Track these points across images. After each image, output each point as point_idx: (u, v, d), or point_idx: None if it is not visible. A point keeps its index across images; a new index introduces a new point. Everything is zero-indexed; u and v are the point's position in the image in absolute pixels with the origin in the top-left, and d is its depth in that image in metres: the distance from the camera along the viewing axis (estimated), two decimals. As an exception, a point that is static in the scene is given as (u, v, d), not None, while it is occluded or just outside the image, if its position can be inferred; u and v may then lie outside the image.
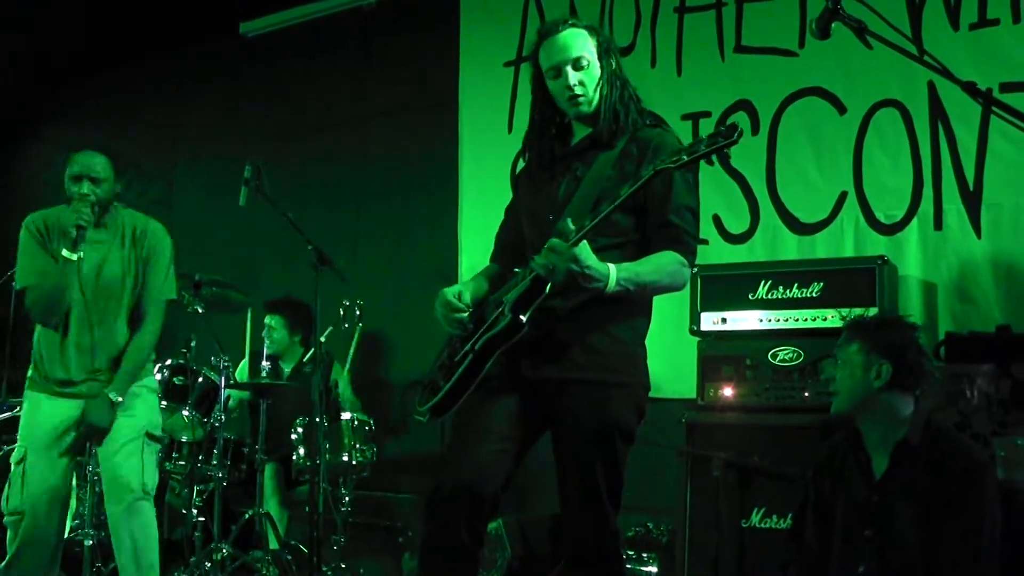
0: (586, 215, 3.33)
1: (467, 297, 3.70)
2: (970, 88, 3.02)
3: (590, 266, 3.28)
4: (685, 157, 3.19)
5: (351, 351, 6.42)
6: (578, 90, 3.60)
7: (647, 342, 3.72)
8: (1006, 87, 5.23)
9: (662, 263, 3.49)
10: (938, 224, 5.45)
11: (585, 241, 3.28)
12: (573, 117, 3.70)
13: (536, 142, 3.82)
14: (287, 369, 6.97)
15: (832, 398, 3.80)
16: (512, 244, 3.89)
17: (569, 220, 3.29)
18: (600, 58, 3.63)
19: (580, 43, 3.60)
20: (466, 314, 3.64)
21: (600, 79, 3.62)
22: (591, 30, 3.66)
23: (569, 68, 3.60)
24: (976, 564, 3.41)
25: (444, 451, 3.65)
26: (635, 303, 3.61)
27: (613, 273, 3.33)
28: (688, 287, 5.06)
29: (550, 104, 3.73)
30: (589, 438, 3.52)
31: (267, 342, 6.87)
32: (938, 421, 3.81)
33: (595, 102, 3.62)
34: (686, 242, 3.55)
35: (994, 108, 3.23)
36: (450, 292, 3.70)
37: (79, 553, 5.60)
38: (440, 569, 3.58)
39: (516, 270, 3.62)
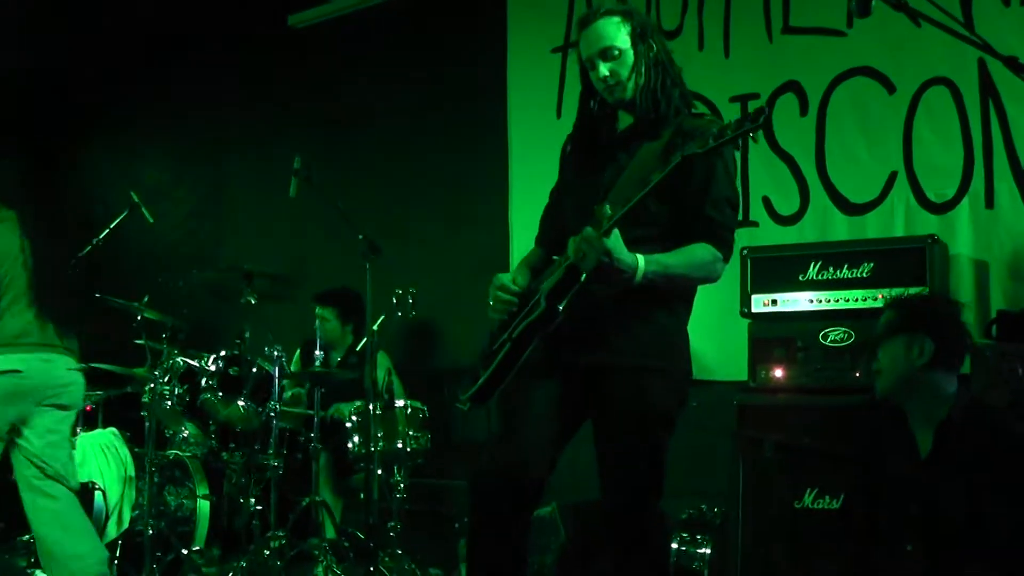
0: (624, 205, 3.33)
1: (522, 281, 3.73)
2: (1013, 64, 3.00)
3: (620, 258, 3.28)
4: (712, 142, 3.19)
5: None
6: (610, 81, 3.60)
7: (698, 325, 3.74)
8: (1054, 62, 5.17)
9: (694, 257, 3.49)
10: (989, 202, 5.40)
11: (616, 231, 3.28)
12: (613, 105, 3.71)
13: (583, 129, 3.83)
14: (337, 358, 7.02)
15: (876, 379, 3.78)
16: (556, 228, 3.90)
17: (606, 206, 3.30)
18: (635, 44, 3.60)
19: (611, 32, 3.59)
20: (515, 299, 3.67)
21: (636, 65, 3.61)
22: (625, 15, 3.63)
23: (599, 60, 3.60)
24: (1025, 543, 3.39)
25: (488, 437, 3.68)
26: (676, 290, 3.62)
27: (641, 266, 3.34)
28: (739, 268, 5.10)
29: (596, 92, 3.74)
30: (628, 425, 3.54)
31: (319, 332, 6.92)
32: (982, 399, 3.79)
33: (630, 89, 3.62)
34: (723, 236, 3.55)
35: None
36: (507, 276, 3.74)
37: (139, 543, 5.68)
38: (488, 557, 3.62)
39: (555, 258, 3.64)
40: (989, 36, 3.21)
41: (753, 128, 3.13)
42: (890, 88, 5.73)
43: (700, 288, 3.75)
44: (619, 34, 3.60)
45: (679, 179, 3.31)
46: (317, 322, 6.99)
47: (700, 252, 3.49)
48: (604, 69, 3.59)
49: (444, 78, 7.70)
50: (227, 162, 9.08)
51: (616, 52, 3.59)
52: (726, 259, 3.57)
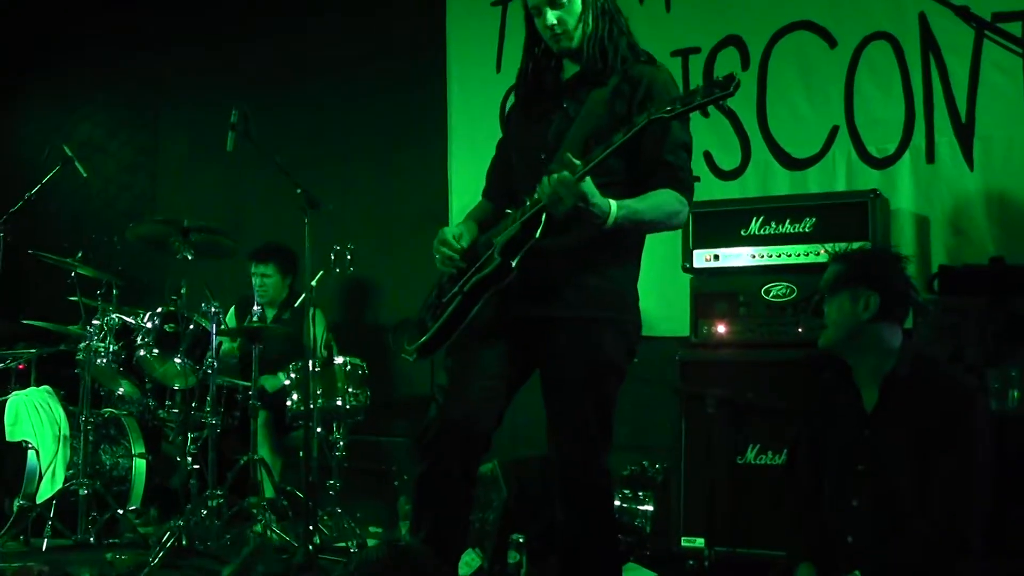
0: (577, 156, 3.29)
1: (466, 240, 3.69)
2: (964, 12, 2.98)
3: (595, 203, 3.26)
4: (680, 107, 3.18)
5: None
6: (557, 29, 3.56)
7: (640, 280, 3.71)
8: (998, 16, 5.16)
9: (660, 201, 3.47)
10: (930, 157, 5.44)
11: (589, 176, 3.25)
12: (559, 53, 3.66)
13: (528, 77, 3.78)
14: (270, 315, 6.93)
15: (820, 332, 3.78)
16: (504, 180, 3.87)
17: (569, 156, 3.25)
18: None
19: None
20: (458, 255, 3.63)
21: (583, 13, 3.56)
22: None
23: (547, 7, 3.55)
24: (968, 495, 3.40)
25: (435, 391, 3.66)
26: (625, 243, 3.60)
27: (613, 210, 3.31)
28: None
29: (541, 40, 3.69)
30: (578, 375, 3.53)
31: (259, 290, 6.83)
32: (927, 352, 3.80)
33: (577, 38, 3.57)
34: (683, 179, 3.54)
35: (987, 32, 3.21)
36: (449, 231, 3.70)
37: (74, 503, 5.61)
38: (433, 508, 3.60)
39: (508, 211, 3.60)
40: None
41: (723, 96, 3.11)
42: (831, 42, 5.73)
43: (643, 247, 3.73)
44: None
45: (637, 133, 3.27)
46: (255, 280, 6.88)
47: (666, 197, 3.47)
48: (551, 17, 3.54)
49: (383, 30, 7.60)
50: (162, 115, 8.92)
51: (564, 0, 3.53)
52: (689, 203, 3.56)
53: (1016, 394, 4.25)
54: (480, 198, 4.02)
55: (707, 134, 5.93)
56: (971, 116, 5.33)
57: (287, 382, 6.07)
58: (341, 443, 6.04)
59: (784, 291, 4.91)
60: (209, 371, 5.76)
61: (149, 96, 8.94)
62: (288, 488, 6.06)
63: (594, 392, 3.54)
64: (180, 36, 8.65)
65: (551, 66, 3.73)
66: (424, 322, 3.71)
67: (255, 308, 6.06)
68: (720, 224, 5.18)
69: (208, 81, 8.41)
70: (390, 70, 7.52)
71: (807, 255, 4.91)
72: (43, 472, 5.92)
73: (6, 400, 6.08)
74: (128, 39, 8.92)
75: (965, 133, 5.34)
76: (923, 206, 5.41)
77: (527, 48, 3.77)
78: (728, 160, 6.00)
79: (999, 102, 5.25)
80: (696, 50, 6.13)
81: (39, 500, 5.77)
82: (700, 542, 4.84)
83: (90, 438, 5.80)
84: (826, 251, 4.43)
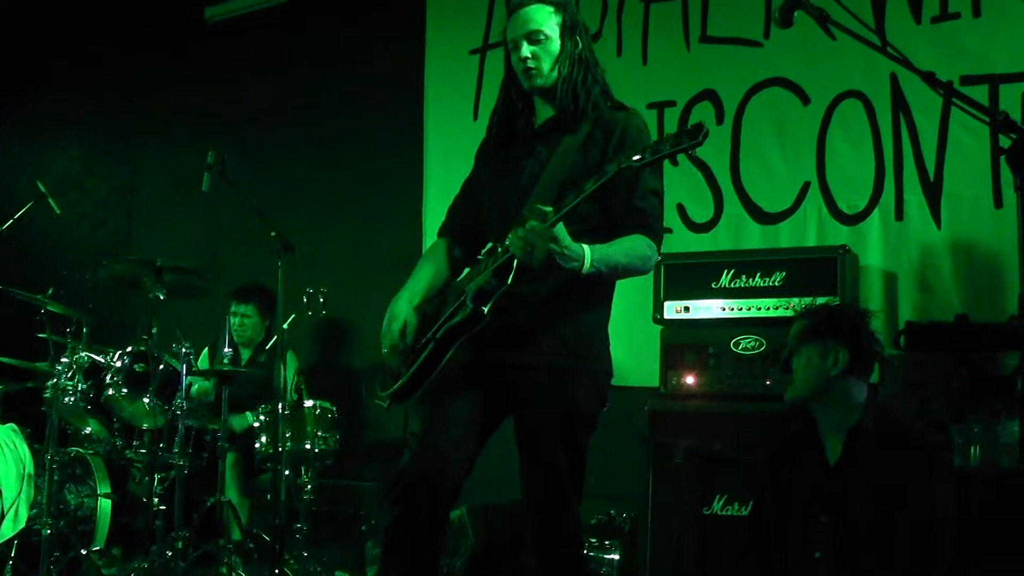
0: (550, 202, 3.32)
1: (413, 322, 3.68)
2: (930, 79, 3.04)
3: (568, 247, 3.27)
4: (649, 156, 3.18)
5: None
6: (530, 63, 3.59)
7: (611, 329, 3.73)
8: (966, 80, 5.28)
9: (632, 246, 3.49)
10: (899, 215, 5.49)
11: (561, 223, 3.27)
12: (530, 91, 3.69)
13: (500, 119, 3.82)
14: (245, 356, 6.93)
15: (787, 386, 3.81)
16: (466, 222, 3.90)
17: (538, 206, 3.27)
18: (563, 36, 3.60)
19: (541, 18, 3.59)
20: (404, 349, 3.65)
21: (560, 56, 3.60)
22: (559, 6, 3.62)
23: (524, 41, 3.59)
24: (930, 549, 3.43)
25: (407, 437, 3.67)
26: (597, 290, 3.62)
27: (587, 254, 3.33)
28: (652, 274, 5.11)
29: (516, 80, 3.72)
30: (551, 424, 3.54)
31: (237, 330, 6.81)
32: (891, 407, 3.84)
33: (551, 79, 3.61)
34: (653, 226, 3.56)
35: (954, 99, 3.26)
36: (400, 307, 3.71)
37: (37, 543, 5.55)
38: (402, 555, 3.59)
39: (480, 257, 3.62)
40: (899, 51, 3.27)
41: (691, 146, 3.12)
42: (805, 99, 5.80)
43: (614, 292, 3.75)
44: (548, 22, 3.59)
45: (607, 182, 3.30)
46: (234, 320, 6.86)
47: (638, 242, 3.50)
48: (526, 50, 3.58)
49: (361, 76, 7.65)
50: (141, 154, 8.93)
51: (542, 37, 3.58)
52: (658, 248, 3.58)
53: (978, 450, 4.29)
54: (437, 234, 4.04)
55: (680, 187, 5.99)
56: (939, 175, 5.39)
57: (256, 424, 6.06)
58: (309, 486, 6.01)
59: (753, 344, 4.94)
60: (178, 412, 5.73)
61: (127, 133, 8.94)
62: (255, 531, 6.02)
63: (567, 441, 3.55)
64: (159, 75, 8.68)
65: (524, 109, 3.77)
66: (397, 368, 3.72)
67: (226, 350, 6.03)
68: (691, 276, 5.20)
69: (186, 121, 8.43)
70: (368, 116, 7.56)
71: (777, 309, 4.93)
72: (6, 511, 5.84)
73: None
74: (108, 75, 8.94)
75: (933, 192, 5.40)
76: (891, 262, 5.46)
77: (503, 86, 3.80)
78: (701, 213, 6.04)
79: (967, 162, 5.31)
80: (672, 103, 6.20)
81: (0, 540, 5.71)
82: (666, 592, 4.85)
83: (55, 477, 5.74)
84: (794, 306, 4.47)
